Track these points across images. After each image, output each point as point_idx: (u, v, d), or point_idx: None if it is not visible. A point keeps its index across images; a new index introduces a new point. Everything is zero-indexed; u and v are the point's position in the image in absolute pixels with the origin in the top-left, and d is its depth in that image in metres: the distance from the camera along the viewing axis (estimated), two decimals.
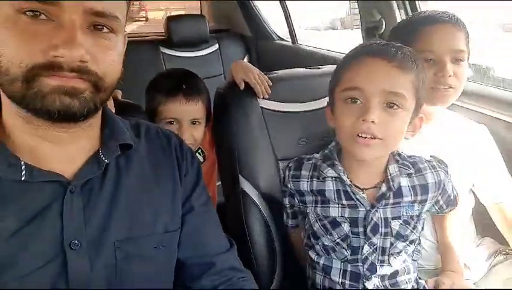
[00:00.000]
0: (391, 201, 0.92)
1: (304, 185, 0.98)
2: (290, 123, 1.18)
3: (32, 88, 0.56)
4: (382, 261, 0.93)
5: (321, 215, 0.95)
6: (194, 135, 1.23)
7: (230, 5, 3.01)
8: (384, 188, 0.91)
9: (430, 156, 1.00)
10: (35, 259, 0.62)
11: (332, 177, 0.94)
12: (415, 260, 0.99)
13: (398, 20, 1.54)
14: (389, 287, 0.94)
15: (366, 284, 0.92)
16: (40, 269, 0.63)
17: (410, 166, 0.94)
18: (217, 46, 2.80)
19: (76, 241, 0.64)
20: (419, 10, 1.51)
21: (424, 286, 1.00)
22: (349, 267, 0.94)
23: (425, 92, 0.91)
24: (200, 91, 1.26)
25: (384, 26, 1.64)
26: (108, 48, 0.62)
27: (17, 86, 0.57)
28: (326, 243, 0.95)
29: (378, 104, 0.83)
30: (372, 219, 0.91)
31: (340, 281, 0.94)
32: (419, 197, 0.94)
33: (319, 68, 1.31)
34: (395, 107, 0.83)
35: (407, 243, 0.94)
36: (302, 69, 1.32)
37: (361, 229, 0.92)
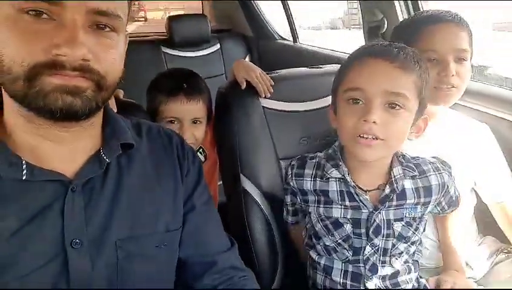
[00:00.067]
0: (394, 203, 0.91)
1: (307, 184, 0.97)
2: (292, 122, 1.18)
3: (34, 87, 0.56)
4: (383, 262, 0.93)
5: (323, 215, 0.95)
6: (195, 135, 1.23)
7: (231, 4, 3.01)
8: (387, 190, 0.91)
9: (434, 157, 0.99)
10: (36, 258, 0.62)
11: (336, 178, 0.94)
12: (416, 260, 0.99)
13: (400, 19, 1.54)
14: (390, 287, 0.94)
15: (367, 284, 0.92)
16: (41, 268, 0.63)
17: (414, 168, 0.94)
18: (218, 46, 2.80)
19: (77, 240, 0.64)
20: (421, 9, 1.51)
21: (425, 285, 1.00)
22: (350, 268, 0.94)
23: (429, 93, 0.90)
24: (201, 90, 1.26)
25: (386, 26, 1.63)
26: (110, 46, 0.62)
27: (19, 85, 0.57)
28: (327, 244, 0.95)
29: (379, 105, 0.82)
30: (374, 220, 0.90)
31: (341, 281, 0.94)
32: (422, 200, 0.93)
33: (320, 68, 1.31)
34: (397, 107, 0.83)
35: (409, 244, 0.94)
36: (303, 68, 1.32)
37: (363, 231, 0.92)
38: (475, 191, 1.17)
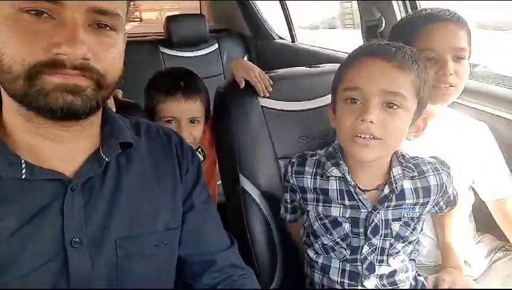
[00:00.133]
0: (393, 203, 0.91)
1: (308, 182, 0.97)
2: (290, 122, 1.18)
3: (34, 86, 0.56)
4: (381, 261, 0.93)
5: (322, 214, 0.95)
6: (193, 134, 1.23)
7: (229, 4, 3.00)
8: (387, 190, 0.90)
9: (433, 157, 0.99)
10: (36, 258, 0.63)
11: (336, 176, 0.93)
12: (413, 259, 0.99)
13: (398, 18, 1.54)
14: (388, 286, 0.94)
15: (364, 283, 0.93)
16: (41, 268, 0.63)
17: (414, 168, 0.93)
18: (216, 45, 2.80)
19: (77, 239, 0.65)
20: (419, 8, 1.51)
21: (423, 283, 1.00)
22: (347, 267, 0.94)
23: (428, 92, 0.89)
24: (199, 90, 1.26)
25: (384, 25, 1.64)
26: (110, 45, 0.62)
27: (19, 84, 0.57)
28: (325, 242, 0.95)
29: (377, 104, 0.82)
30: (373, 220, 0.90)
31: (339, 280, 0.94)
32: (421, 200, 0.93)
33: (318, 67, 1.31)
34: (395, 107, 0.82)
35: (406, 243, 0.94)
36: (301, 67, 1.32)
37: (361, 230, 0.92)
38: (473, 189, 1.17)
